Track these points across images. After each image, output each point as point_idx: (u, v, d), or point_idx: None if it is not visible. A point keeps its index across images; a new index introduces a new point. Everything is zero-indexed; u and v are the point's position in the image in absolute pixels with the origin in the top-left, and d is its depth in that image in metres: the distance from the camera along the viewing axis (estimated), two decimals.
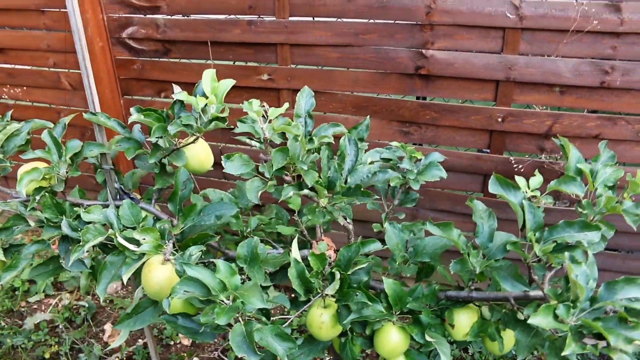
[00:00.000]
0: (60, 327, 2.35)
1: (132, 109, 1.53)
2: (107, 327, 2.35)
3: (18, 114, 2.54)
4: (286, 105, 1.34)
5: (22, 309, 2.48)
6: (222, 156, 1.36)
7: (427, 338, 1.37)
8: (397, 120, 2.09)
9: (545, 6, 1.79)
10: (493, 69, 1.90)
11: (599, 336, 1.21)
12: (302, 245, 1.78)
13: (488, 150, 2.09)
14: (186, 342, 2.35)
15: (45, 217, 1.59)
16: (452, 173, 2.10)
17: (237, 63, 2.21)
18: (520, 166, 1.99)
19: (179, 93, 1.50)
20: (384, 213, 1.70)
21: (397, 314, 1.41)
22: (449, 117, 2.02)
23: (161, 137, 1.52)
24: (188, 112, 1.57)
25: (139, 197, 1.77)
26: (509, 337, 1.48)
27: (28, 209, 1.56)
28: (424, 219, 2.20)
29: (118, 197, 1.73)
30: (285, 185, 1.32)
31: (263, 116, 1.35)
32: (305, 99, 1.41)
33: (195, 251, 1.35)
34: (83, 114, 1.65)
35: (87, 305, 2.45)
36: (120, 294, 2.58)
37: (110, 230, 1.45)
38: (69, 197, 1.70)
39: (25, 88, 2.52)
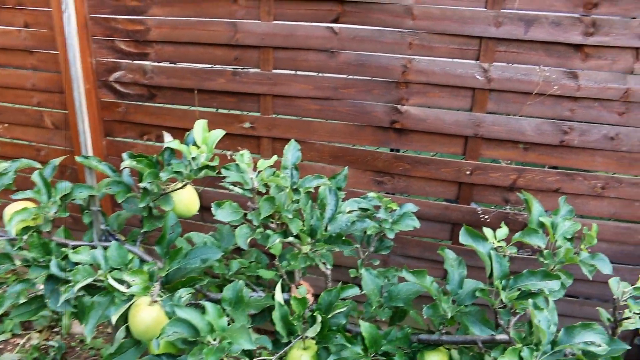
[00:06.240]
0: None
1: (124, 155, 1.60)
2: None
3: None
4: (274, 157, 1.43)
5: None
6: (212, 203, 1.43)
7: None
8: (371, 170, 2.20)
9: (511, 70, 1.95)
10: (463, 126, 2.05)
11: None
12: (281, 289, 1.86)
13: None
14: None
15: (32, 257, 1.63)
16: (423, 221, 2.18)
17: (219, 110, 2.30)
18: (486, 216, 2.12)
19: (170, 141, 1.58)
20: (359, 259, 1.80)
21: (372, 356, 1.49)
22: (421, 169, 2.14)
23: (151, 183, 1.59)
24: (178, 159, 1.65)
25: (123, 238, 1.82)
26: None
27: (15, 248, 1.59)
28: (396, 264, 2.30)
29: (103, 238, 1.77)
30: (272, 232, 1.39)
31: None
32: (291, 152, 1.51)
33: (184, 294, 1.40)
34: (76, 157, 1.70)
35: (56, 345, 2.44)
36: None
37: (99, 272, 1.49)
38: (55, 237, 1.74)
39: (7, 125, 2.56)
